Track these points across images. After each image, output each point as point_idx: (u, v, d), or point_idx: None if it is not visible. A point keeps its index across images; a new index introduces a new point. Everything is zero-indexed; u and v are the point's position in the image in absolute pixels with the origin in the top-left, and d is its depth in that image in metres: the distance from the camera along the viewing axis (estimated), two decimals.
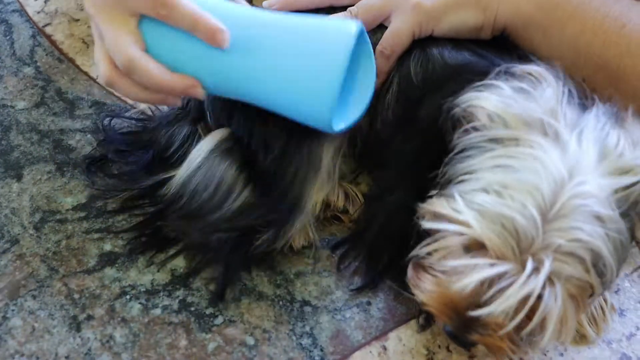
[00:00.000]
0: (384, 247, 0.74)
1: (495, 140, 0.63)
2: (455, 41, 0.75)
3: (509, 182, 0.60)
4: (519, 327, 0.61)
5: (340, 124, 0.66)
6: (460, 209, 0.60)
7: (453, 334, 0.65)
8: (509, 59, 0.73)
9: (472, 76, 0.66)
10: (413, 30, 0.75)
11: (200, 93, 0.68)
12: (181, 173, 0.75)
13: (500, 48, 0.75)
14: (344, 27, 0.63)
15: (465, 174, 0.63)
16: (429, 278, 0.66)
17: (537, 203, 0.58)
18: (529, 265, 0.57)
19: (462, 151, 0.64)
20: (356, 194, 0.79)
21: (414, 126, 0.72)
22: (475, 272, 0.59)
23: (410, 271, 0.68)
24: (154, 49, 0.66)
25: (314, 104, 0.63)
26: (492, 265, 0.59)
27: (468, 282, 0.60)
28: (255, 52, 0.64)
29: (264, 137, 0.72)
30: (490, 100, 0.63)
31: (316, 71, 0.62)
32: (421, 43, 0.75)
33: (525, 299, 0.58)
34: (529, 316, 0.60)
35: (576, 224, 0.58)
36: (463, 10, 0.75)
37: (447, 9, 0.75)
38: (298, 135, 0.71)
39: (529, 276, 0.57)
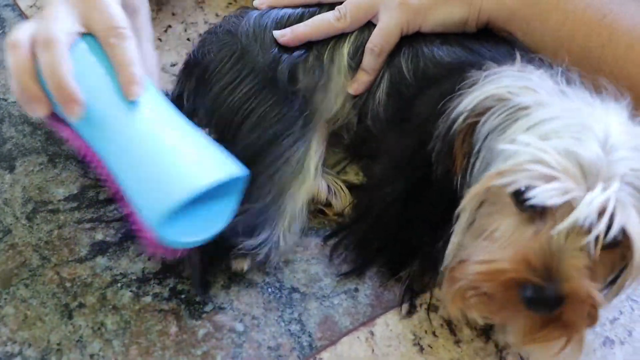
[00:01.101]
0: (377, 236, 0.75)
1: (524, 108, 0.62)
2: (443, 36, 0.76)
3: (559, 128, 0.59)
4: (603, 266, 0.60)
5: (188, 235, 0.62)
6: (525, 149, 0.59)
7: (536, 297, 0.58)
8: (496, 50, 0.74)
9: (464, 72, 0.67)
10: (401, 27, 0.76)
11: (75, 114, 0.61)
12: None
13: (486, 39, 0.76)
14: (201, 173, 0.60)
15: (508, 144, 0.61)
16: (475, 264, 0.62)
17: (595, 137, 0.58)
18: (600, 185, 0.57)
19: (488, 135, 0.64)
20: (341, 187, 0.79)
21: (408, 122, 0.73)
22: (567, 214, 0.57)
23: (447, 280, 0.66)
24: (77, 58, 0.64)
25: (147, 216, 0.61)
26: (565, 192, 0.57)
27: (571, 218, 0.56)
28: (129, 138, 0.61)
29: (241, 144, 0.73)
30: (502, 81, 0.63)
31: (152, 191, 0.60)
32: (409, 40, 0.77)
33: (602, 212, 0.56)
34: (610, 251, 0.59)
35: (632, 155, 0.58)
36: (449, 5, 0.76)
37: (433, 4, 0.76)
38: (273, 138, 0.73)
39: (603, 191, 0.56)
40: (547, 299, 0.58)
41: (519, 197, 0.60)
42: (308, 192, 0.75)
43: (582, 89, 0.64)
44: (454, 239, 0.65)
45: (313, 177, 0.75)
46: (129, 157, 0.60)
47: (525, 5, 0.76)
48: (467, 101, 0.64)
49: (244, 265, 0.73)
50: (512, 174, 0.59)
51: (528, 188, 0.58)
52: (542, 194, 0.57)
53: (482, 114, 0.64)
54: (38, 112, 0.63)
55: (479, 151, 0.64)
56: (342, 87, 0.78)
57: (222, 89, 0.76)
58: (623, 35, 0.73)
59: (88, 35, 0.64)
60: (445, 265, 0.66)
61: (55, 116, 0.64)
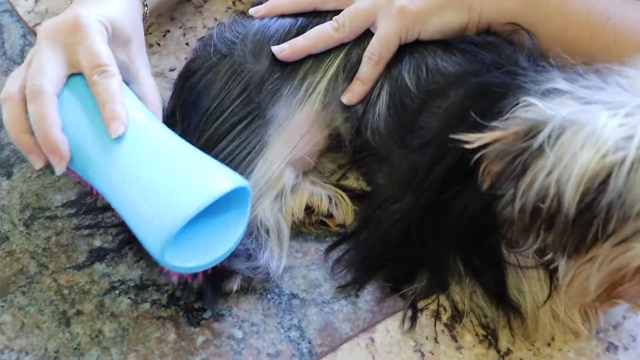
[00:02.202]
0: (383, 253, 0.74)
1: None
2: (444, 44, 0.75)
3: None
4: None
5: (198, 259, 0.63)
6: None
7: None
8: (497, 55, 0.73)
9: (469, 83, 0.67)
10: (400, 35, 0.75)
11: (59, 165, 0.64)
12: None
13: (487, 43, 0.75)
14: (205, 187, 0.61)
15: None
16: None
17: None
18: None
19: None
20: (342, 197, 0.78)
21: (414, 136, 0.72)
22: None
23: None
24: (63, 101, 0.65)
25: (150, 247, 0.61)
26: None
27: None
28: (127, 165, 0.62)
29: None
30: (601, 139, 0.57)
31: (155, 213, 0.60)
32: (410, 49, 0.76)
33: None
34: None
35: None
36: (447, 11, 0.75)
37: (431, 10, 0.75)
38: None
39: None
40: None
41: None
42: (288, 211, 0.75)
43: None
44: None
45: (289, 194, 0.74)
46: (123, 193, 0.62)
47: (526, 9, 0.75)
48: (577, 171, 0.56)
49: (233, 286, 0.72)
50: None
51: None
52: None
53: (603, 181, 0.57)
54: (35, 163, 0.66)
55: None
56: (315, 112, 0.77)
57: (211, 107, 0.75)
58: (628, 37, 0.72)
59: (79, 74, 0.66)
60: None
61: None
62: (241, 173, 0.67)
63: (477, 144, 0.60)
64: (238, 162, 0.72)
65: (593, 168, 0.56)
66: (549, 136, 0.57)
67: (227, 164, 0.65)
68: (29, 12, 1.00)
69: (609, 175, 0.56)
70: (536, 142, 0.57)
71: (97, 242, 0.77)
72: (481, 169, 0.61)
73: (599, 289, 0.62)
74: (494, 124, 0.61)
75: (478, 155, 0.60)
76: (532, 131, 0.58)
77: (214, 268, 0.65)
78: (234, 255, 0.65)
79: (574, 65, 0.66)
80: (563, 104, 0.60)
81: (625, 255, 0.58)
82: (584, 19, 0.73)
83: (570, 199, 0.56)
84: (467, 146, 0.60)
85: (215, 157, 0.68)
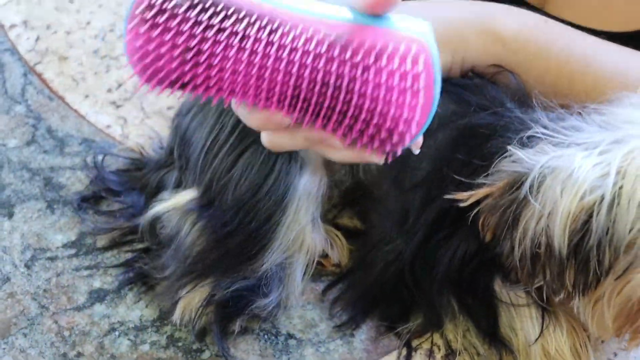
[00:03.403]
0: (378, 293, 0.76)
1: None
2: None
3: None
4: None
5: None
6: None
7: None
8: (482, 96, 0.75)
9: (457, 125, 0.69)
10: None
11: None
12: (147, 217, 0.78)
13: (472, 85, 0.76)
14: None
15: None
16: None
17: None
18: None
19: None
20: (337, 236, 0.80)
21: (405, 176, 0.73)
22: None
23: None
24: None
25: None
26: None
27: None
28: None
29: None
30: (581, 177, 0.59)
31: None
32: None
33: None
34: None
35: None
36: None
37: None
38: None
39: None
40: None
41: None
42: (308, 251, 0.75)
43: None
44: None
45: (310, 233, 0.75)
46: None
47: (507, 54, 0.76)
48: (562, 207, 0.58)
49: (234, 327, 0.73)
50: None
51: None
52: None
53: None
54: None
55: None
56: None
57: (207, 143, 0.75)
58: (607, 83, 0.73)
59: None
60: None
61: None
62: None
63: (470, 201, 0.62)
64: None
65: (574, 211, 0.58)
66: (531, 186, 0.59)
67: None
68: (30, 51, 1.01)
69: (590, 215, 0.58)
70: (521, 193, 0.59)
71: (97, 283, 0.78)
72: (480, 223, 0.63)
73: (617, 323, 0.64)
74: (481, 180, 0.63)
75: (475, 211, 0.62)
76: (516, 183, 0.60)
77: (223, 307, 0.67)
78: (241, 296, 0.67)
79: (555, 107, 0.68)
80: (542, 150, 0.62)
81: (628, 286, 0.60)
82: (564, 64, 0.75)
83: (560, 243, 0.59)
84: (460, 204, 0.62)
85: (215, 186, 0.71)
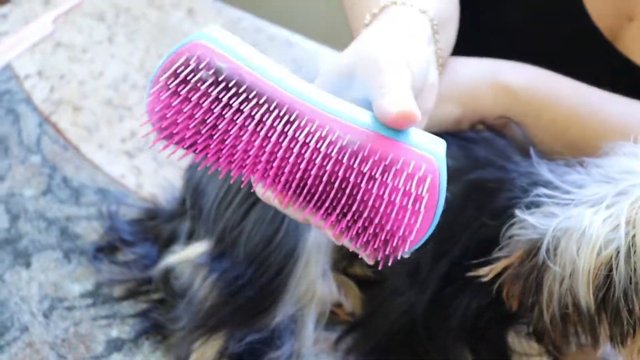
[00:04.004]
0: (390, 342, 0.77)
1: None
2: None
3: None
4: None
5: None
6: None
7: None
8: (490, 149, 0.77)
9: (466, 179, 0.71)
10: None
11: None
12: (159, 269, 0.80)
13: (480, 140, 0.79)
14: None
15: None
16: None
17: None
18: None
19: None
20: (350, 286, 0.81)
21: None
22: None
23: None
24: None
25: None
26: None
27: None
28: None
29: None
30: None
31: None
32: None
33: None
34: None
35: None
36: (443, 104, 0.79)
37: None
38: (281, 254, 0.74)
39: None
40: None
41: None
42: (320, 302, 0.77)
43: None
44: None
45: (321, 285, 0.77)
46: None
47: (517, 104, 0.79)
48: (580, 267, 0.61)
49: None
50: None
51: None
52: None
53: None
54: None
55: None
56: None
57: (220, 193, 0.77)
58: (616, 130, 0.76)
59: None
60: None
61: None
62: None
63: (491, 275, 0.64)
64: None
65: (594, 267, 0.60)
66: (548, 250, 0.61)
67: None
68: (44, 101, 1.04)
69: (610, 268, 0.60)
70: (539, 259, 0.61)
71: (114, 333, 0.80)
72: (504, 294, 0.65)
73: None
74: (498, 254, 0.65)
75: (497, 283, 0.65)
76: (533, 250, 0.62)
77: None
78: (254, 348, 0.68)
79: (558, 159, 0.71)
80: (551, 213, 0.65)
81: None
82: (572, 112, 0.78)
83: (587, 300, 0.61)
84: (483, 279, 0.65)
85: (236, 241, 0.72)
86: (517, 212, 0.65)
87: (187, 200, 0.83)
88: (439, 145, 0.51)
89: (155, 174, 0.96)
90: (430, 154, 0.50)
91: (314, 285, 0.76)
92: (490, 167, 0.74)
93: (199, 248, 0.78)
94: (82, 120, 1.02)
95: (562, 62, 0.80)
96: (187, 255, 0.79)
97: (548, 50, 0.83)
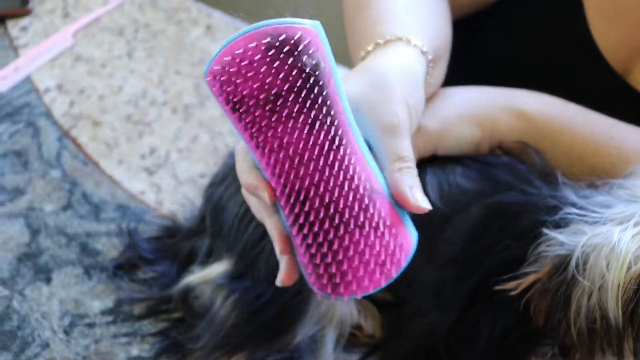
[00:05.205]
0: None
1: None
2: (462, 163, 0.80)
3: None
4: None
5: None
6: None
7: None
8: (510, 173, 0.78)
9: (488, 203, 0.73)
10: (418, 151, 0.79)
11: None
12: (179, 288, 0.80)
13: (500, 164, 0.80)
14: None
15: None
16: None
17: None
18: None
19: None
20: (370, 308, 0.82)
21: (439, 250, 0.76)
22: None
23: None
24: None
25: None
26: None
27: None
28: None
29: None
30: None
31: None
32: (431, 166, 0.80)
33: None
34: None
35: None
36: (460, 127, 0.80)
37: (448, 127, 0.80)
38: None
39: None
40: None
41: None
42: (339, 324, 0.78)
43: None
44: None
45: (340, 305, 0.77)
46: None
47: (534, 129, 0.80)
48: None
49: None
50: None
51: None
52: None
53: None
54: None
55: None
56: None
57: (240, 211, 0.78)
58: (631, 155, 0.78)
59: None
60: None
61: None
62: None
63: (520, 289, 0.65)
64: None
65: (623, 282, 0.62)
66: (577, 265, 0.63)
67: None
68: (64, 115, 1.04)
69: (639, 283, 0.62)
70: (568, 274, 0.63)
71: (134, 351, 0.80)
72: (531, 310, 0.66)
73: None
74: (526, 269, 0.66)
75: (525, 298, 0.66)
76: (562, 265, 0.64)
77: None
78: None
79: (585, 182, 0.72)
80: (580, 231, 0.66)
81: None
82: (588, 137, 0.79)
83: (615, 314, 0.63)
84: (511, 294, 0.66)
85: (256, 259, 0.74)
86: (545, 230, 0.66)
87: (207, 217, 0.83)
88: (415, 235, 0.60)
89: (175, 191, 0.96)
90: (414, 237, 0.60)
91: (334, 306, 0.77)
92: (511, 190, 0.75)
93: (219, 267, 0.79)
94: (102, 136, 1.03)
95: (573, 97, 0.82)
96: (208, 275, 0.79)
97: (558, 85, 0.84)
